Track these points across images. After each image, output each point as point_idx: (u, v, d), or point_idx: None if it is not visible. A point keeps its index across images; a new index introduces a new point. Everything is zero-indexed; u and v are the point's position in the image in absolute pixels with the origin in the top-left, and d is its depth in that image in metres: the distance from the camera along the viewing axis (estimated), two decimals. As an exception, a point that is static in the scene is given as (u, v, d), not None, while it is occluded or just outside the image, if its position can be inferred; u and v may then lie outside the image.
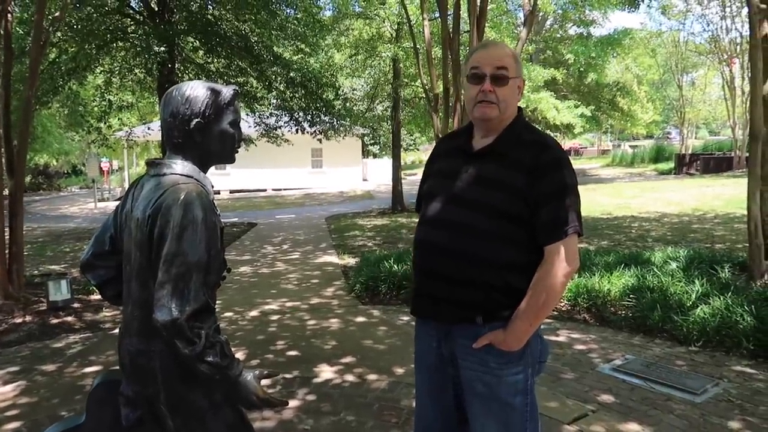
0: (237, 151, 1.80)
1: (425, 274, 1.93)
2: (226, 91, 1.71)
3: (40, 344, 5.02)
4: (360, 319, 5.46)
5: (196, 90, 1.66)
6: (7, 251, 6.26)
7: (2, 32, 6.37)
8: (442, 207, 1.89)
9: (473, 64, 1.86)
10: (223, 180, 27.87)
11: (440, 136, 6.83)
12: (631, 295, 5.13)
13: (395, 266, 6.64)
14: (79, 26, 11.01)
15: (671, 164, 28.56)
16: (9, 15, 6.50)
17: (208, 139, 1.68)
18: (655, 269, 5.68)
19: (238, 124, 1.75)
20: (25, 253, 11.11)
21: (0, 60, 6.50)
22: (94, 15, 11.56)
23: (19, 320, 5.57)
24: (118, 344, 1.74)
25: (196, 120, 1.64)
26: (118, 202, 1.92)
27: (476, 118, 1.88)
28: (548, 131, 20.94)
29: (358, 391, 3.72)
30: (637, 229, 10.27)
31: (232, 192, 28.14)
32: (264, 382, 2.04)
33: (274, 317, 5.60)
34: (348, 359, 4.33)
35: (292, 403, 3.56)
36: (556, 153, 1.82)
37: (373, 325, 5.26)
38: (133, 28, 12.81)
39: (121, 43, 12.79)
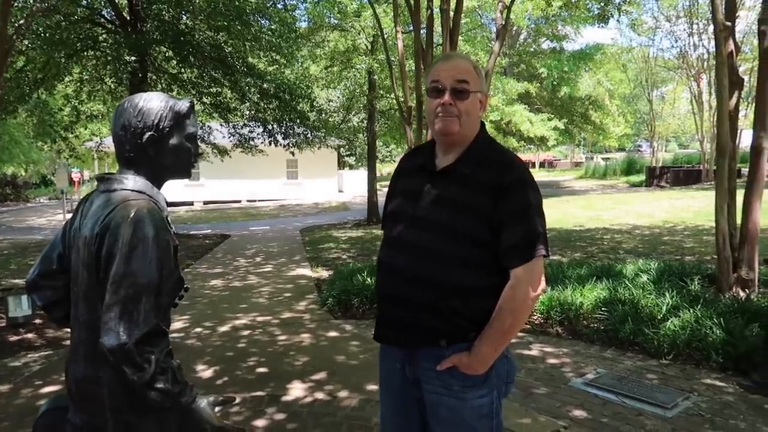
0: (193, 166, 1.72)
1: (386, 299, 1.87)
2: (182, 104, 1.64)
3: (-3, 363, 4.82)
4: (332, 333, 5.37)
5: (149, 102, 1.59)
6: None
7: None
8: (404, 229, 1.83)
9: (433, 78, 1.81)
10: (196, 191, 27.52)
11: (413, 147, 6.80)
12: (603, 308, 5.14)
13: (368, 279, 6.56)
14: (47, 34, 10.78)
15: (642, 176, 29.09)
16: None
17: (162, 154, 1.60)
18: (626, 282, 5.71)
19: (195, 137, 1.68)
20: (-12, 266, 10.77)
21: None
22: (63, 23, 11.34)
23: (-24, 338, 5.36)
24: (65, 370, 1.64)
25: (149, 133, 1.56)
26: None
27: (437, 131, 1.82)
28: (522, 143, 21.20)
29: (328, 410, 3.64)
30: (609, 241, 10.37)
31: (205, 203, 27.79)
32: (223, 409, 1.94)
33: (245, 332, 5.48)
34: (319, 376, 4.24)
35: (260, 422, 3.47)
36: (520, 173, 1.77)
37: (345, 339, 5.17)
38: (104, 36, 12.61)
39: (91, 52, 12.57)
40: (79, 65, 12.85)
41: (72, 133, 13.91)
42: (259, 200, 28.51)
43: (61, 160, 20.01)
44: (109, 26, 12.63)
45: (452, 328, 1.74)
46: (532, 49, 26.94)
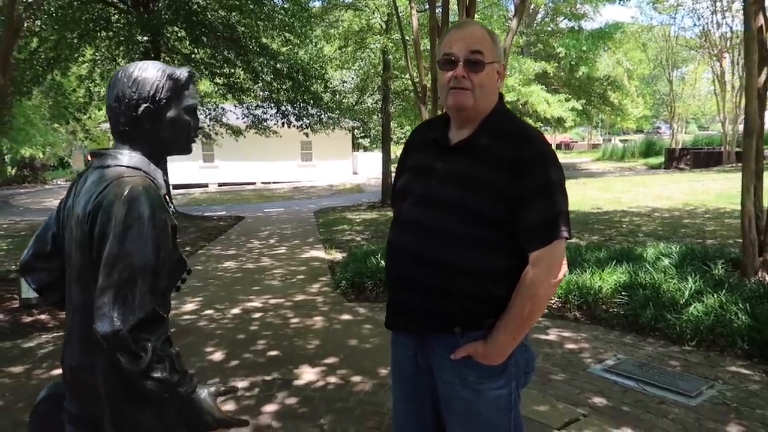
0: (194, 141, 1.62)
1: (396, 281, 1.76)
2: (181, 73, 1.53)
3: (9, 344, 4.81)
4: (345, 316, 5.30)
5: (145, 71, 1.48)
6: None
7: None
8: (413, 208, 1.71)
9: (445, 48, 1.66)
10: (211, 173, 27.57)
11: (425, 120, 6.65)
12: (623, 293, 5.00)
13: (382, 262, 6.46)
14: (59, 14, 10.71)
15: (661, 159, 28.57)
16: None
17: (159, 127, 1.50)
18: (647, 266, 5.55)
19: (195, 110, 1.57)
20: (5, 247, 10.87)
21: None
22: (75, 3, 11.26)
23: (-10, 318, 5.36)
24: (61, 355, 1.56)
25: (145, 105, 1.46)
26: None
27: (450, 107, 1.69)
28: (539, 124, 20.85)
29: (340, 394, 3.56)
30: (627, 224, 10.16)
31: (220, 185, 27.84)
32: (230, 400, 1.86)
33: (257, 315, 5.42)
34: (331, 360, 4.17)
35: (271, 407, 3.41)
36: (541, 146, 1.63)
37: (358, 323, 5.09)
38: (116, 17, 12.53)
39: (103, 33, 12.50)
40: (91, 46, 12.80)
41: (86, 114, 13.90)
42: (274, 182, 28.50)
43: (77, 141, 20.10)
44: (121, 6, 12.54)
45: (466, 315, 1.63)
46: (549, 29, 26.40)
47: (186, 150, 1.60)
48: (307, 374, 3.91)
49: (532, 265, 1.59)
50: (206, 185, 27.54)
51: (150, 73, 1.48)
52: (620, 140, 47.51)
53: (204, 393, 1.46)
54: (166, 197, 1.52)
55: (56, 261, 1.61)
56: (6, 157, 34.89)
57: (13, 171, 36.33)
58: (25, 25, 10.63)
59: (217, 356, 4.33)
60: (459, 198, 1.62)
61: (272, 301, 5.92)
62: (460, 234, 1.61)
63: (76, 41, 11.78)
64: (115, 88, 1.48)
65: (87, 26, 11.79)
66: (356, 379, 3.78)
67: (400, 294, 1.74)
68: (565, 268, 1.65)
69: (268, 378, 3.85)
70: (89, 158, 1.56)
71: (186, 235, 11.61)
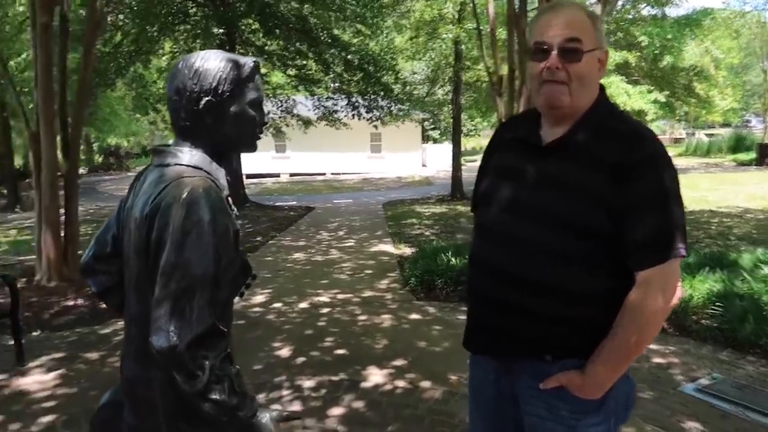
0: (259, 138, 1.49)
1: (478, 299, 1.56)
2: (245, 63, 1.39)
3: (87, 329, 4.96)
4: (414, 316, 5.14)
5: (207, 61, 1.35)
6: (62, 233, 6.29)
7: (60, 14, 6.35)
8: (500, 216, 1.50)
9: (537, 36, 1.43)
10: (283, 163, 28.09)
11: (503, 121, 6.36)
12: (717, 303, 4.57)
13: (453, 260, 6.27)
14: (140, 8, 11.07)
15: (752, 154, 26.59)
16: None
17: (221, 122, 1.37)
18: (744, 274, 5.07)
19: (261, 104, 1.44)
20: (90, 232, 11.40)
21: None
22: (156, -2, 11.62)
23: (71, 303, 5.56)
24: (120, 366, 1.47)
25: (207, 98, 1.33)
26: None
27: (542, 104, 1.47)
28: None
29: (409, 400, 3.41)
30: (716, 226, 9.45)
31: (291, 175, 28.33)
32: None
33: (324, 310, 5.36)
34: (399, 362, 4.02)
35: (337, 410, 3.30)
36: (653, 148, 1.38)
37: (427, 323, 4.92)
38: (194, 10, 12.84)
39: (182, 26, 12.86)
40: (170, 39, 13.21)
41: (165, 105, 14.40)
42: (343, 173, 28.72)
43: (158, 131, 20.95)
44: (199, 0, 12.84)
45: (559, 340, 1.42)
46: (630, 16, 25.06)
47: (250, 147, 1.47)
48: (375, 376, 3.78)
49: (640, 287, 1.35)
50: (278, 175, 28.09)
51: (212, 63, 1.35)
52: (705, 134, 44.80)
53: (266, 417, 1.32)
54: (229, 199, 1.40)
55: (116, 264, 1.52)
56: (94, 145, 36.99)
57: (100, 159, 38.45)
58: (109, 19, 11.07)
59: (285, 352, 4.28)
60: (552, 206, 1.40)
61: (340, 296, 5.84)
62: (554, 248, 1.39)
63: (156, 34, 12.17)
64: (176, 79, 1.36)
65: (166, 20, 12.15)
66: (425, 384, 3.62)
67: (484, 314, 1.54)
68: (679, 292, 1.40)
69: (335, 378, 3.75)
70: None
71: (257, 225, 11.81)
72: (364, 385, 3.65)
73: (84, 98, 6.69)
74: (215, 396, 1.19)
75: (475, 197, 1.67)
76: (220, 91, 1.34)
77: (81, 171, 34.01)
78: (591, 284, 1.39)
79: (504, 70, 6.44)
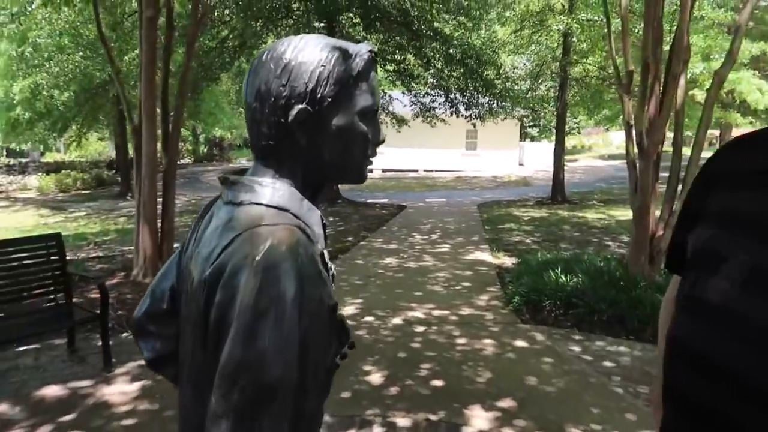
0: (371, 162, 1.03)
1: (691, 413, 1.00)
2: (358, 54, 0.94)
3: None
4: (520, 343, 4.56)
5: (303, 51, 0.91)
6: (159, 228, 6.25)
7: (165, 9, 6.29)
8: (735, 292, 0.95)
9: None
10: (376, 158, 27.87)
11: (630, 123, 5.59)
12: None
13: (562, 277, 5.61)
14: (244, 3, 11.09)
15: None
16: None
17: (319, 142, 0.93)
18: None
19: (376, 114, 0.98)
20: (189, 223, 11.62)
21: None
22: (260, -8, 11.63)
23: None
24: None
25: (300, 107, 0.89)
26: None
27: None
28: (749, 118, 17.95)
29: (520, 458, 2.87)
30: None
31: (384, 171, 28.16)
32: None
33: (419, 329, 4.89)
34: (506, 402, 3.48)
35: (435, 462, 2.82)
36: None
37: (536, 353, 4.33)
38: (296, 5, 12.79)
39: (284, 21, 12.85)
40: (273, 33, 13.24)
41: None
42: (436, 171, 28.18)
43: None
44: (302, -6, 12.76)
45: None
46: (764, 3, 22.60)
47: (359, 178, 1.02)
48: (478, 419, 3.27)
49: None
50: (371, 171, 28.01)
51: (310, 54, 0.91)
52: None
53: None
54: (325, 254, 0.95)
55: (174, 325, 1.11)
56: (200, 137, 38.78)
57: (204, 150, 40.27)
58: (216, 13, 11.19)
59: (376, 378, 3.85)
60: None
61: (436, 313, 5.35)
62: None
63: (259, 29, 12.20)
64: (257, 77, 0.93)
65: (270, 14, 12.15)
66: (539, 437, 3.06)
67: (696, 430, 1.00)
68: None
69: (433, 417, 3.28)
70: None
71: (349, 223, 11.58)
72: (467, 430, 3.15)
73: (185, 93, 6.61)
74: None
75: (679, 252, 1.12)
76: (318, 96, 0.89)
77: (186, 161, 35.81)
78: None
79: (636, 63, 5.66)
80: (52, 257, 4.16)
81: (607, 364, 4.13)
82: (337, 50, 0.92)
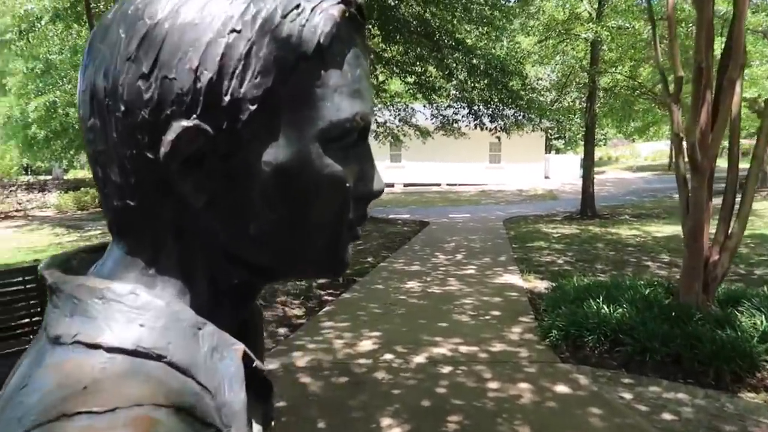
0: (357, 236, 0.50)
1: None
2: (316, 3, 0.43)
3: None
4: (561, 388, 3.97)
5: (191, 3, 0.40)
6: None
7: None
8: None
9: None
10: (397, 173, 27.48)
11: (680, 135, 5.00)
12: None
13: (604, 308, 5.01)
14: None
15: None
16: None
17: (237, 197, 0.43)
18: None
19: (365, 132, 0.47)
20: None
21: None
22: None
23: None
24: None
25: (184, 124, 0.40)
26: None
27: None
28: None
29: None
30: None
31: (405, 185, 27.64)
32: None
33: (445, 370, 4.33)
34: (550, 470, 2.91)
35: None
36: None
37: (581, 402, 3.74)
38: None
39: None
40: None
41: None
42: (459, 184, 27.59)
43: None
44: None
45: None
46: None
47: (331, 267, 0.50)
48: (518, 494, 2.70)
49: None
50: (392, 185, 27.50)
51: (208, 8, 0.40)
52: None
53: None
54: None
55: None
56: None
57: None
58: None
59: (398, 431, 3.31)
60: None
61: (463, 349, 4.78)
62: None
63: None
64: (94, 62, 0.42)
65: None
66: None
67: None
68: None
69: (462, 493, 2.72)
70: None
71: (368, 242, 11.06)
72: None
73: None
74: None
75: None
76: (228, 100, 0.40)
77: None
78: None
79: (686, 69, 5.08)
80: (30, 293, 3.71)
81: (667, 417, 3.51)
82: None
